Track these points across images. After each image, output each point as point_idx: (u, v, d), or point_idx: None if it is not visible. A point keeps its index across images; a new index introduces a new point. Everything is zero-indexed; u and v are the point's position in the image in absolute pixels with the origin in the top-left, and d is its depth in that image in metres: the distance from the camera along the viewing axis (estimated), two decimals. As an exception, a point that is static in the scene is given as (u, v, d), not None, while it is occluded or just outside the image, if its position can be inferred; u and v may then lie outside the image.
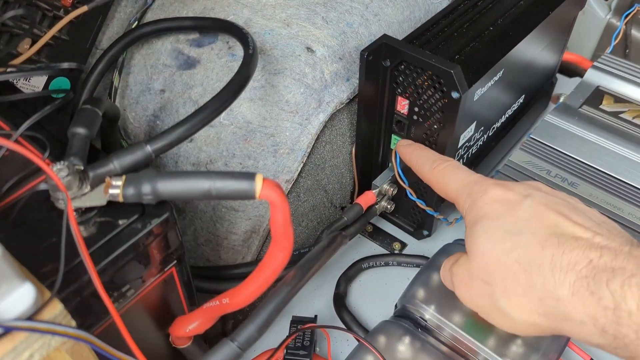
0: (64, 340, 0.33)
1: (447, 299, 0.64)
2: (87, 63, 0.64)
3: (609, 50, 0.99)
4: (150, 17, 0.64)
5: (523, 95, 0.77)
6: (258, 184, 0.40)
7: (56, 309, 0.32)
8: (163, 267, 0.45)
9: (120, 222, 0.42)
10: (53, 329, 0.32)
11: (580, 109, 0.82)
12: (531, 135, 0.77)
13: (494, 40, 0.60)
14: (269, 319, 0.43)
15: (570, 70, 1.03)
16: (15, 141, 0.44)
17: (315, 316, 0.62)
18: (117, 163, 0.41)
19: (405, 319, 0.64)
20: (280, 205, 0.41)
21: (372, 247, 0.76)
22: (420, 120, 0.62)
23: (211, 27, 0.58)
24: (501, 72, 0.62)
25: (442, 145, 0.61)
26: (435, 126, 0.61)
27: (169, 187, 0.40)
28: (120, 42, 0.60)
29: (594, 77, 0.87)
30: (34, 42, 0.56)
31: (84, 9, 0.53)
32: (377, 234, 0.77)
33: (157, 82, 0.63)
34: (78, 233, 0.36)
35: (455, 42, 0.59)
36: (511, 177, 0.72)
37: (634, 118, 0.80)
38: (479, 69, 0.58)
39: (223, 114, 0.59)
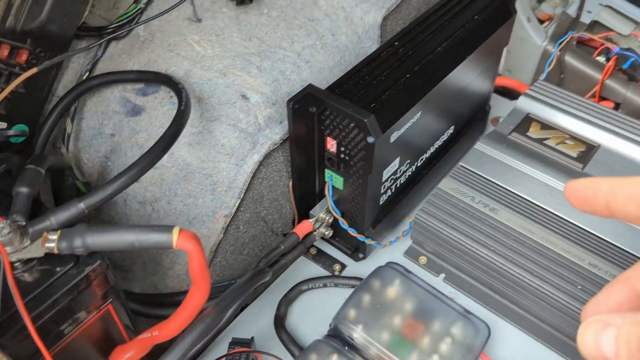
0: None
1: (374, 319, 0.71)
2: (44, 109, 0.70)
3: (542, 77, 1.06)
4: (100, 67, 0.70)
5: (452, 126, 0.84)
6: (175, 236, 0.47)
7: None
8: (99, 306, 0.51)
9: (58, 269, 0.48)
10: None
11: (509, 136, 0.88)
12: (461, 164, 0.83)
13: (410, 86, 0.67)
14: (184, 354, 0.49)
15: (514, 93, 1.10)
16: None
17: (252, 338, 0.69)
18: (53, 220, 0.48)
19: (335, 338, 0.71)
20: (195, 253, 0.47)
21: (315, 269, 0.83)
22: (347, 158, 0.68)
23: (152, 80, 0.65)
24: (419, 114, 0.69)
25: (366, 182, 0.68)
26: (359, 164, 0.68)
27: (97, 241, 0.46)
28: (72, 93, 0.67)
29: (525, 104, 0.93)
30: (-9, 97, 0.62)
31: (34, 70, 0.59)
32: (320, 257, 0.84)
33: (107, 127, 0.69)
34: (14, 285, 0.42)
35: (374, 89, 0.66)
36: (439, 204, 0.79)
37: (557, 144, 0.87)
38: (393, 115, 0.64)
39: (165, 157, 0.66)
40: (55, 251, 0.47)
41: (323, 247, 0.85)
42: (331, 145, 0.69)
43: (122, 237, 0.47)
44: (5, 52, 0.62)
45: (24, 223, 0.48)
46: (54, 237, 0.47)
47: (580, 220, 0.76)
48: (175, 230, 0.47)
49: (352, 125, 0.64)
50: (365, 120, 0.61)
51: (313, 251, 0.84)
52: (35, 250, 0.47)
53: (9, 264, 0.43)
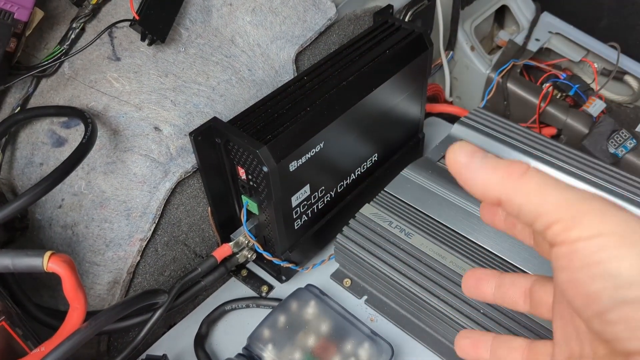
0: None
1: (287, 339, 0.74)
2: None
3: (482, 104, 1.08)
4: (32, 103, 0.77)
5: (376, 153, 0.87)
6: (45, 259, 0.51)
7: None
8: (-8, 322, 0.57)
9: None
10: None
11: (437, 162, 0.91)
12: (385, 189, 0.86)
13: (309, 118, 0.71)
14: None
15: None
16: None
17: (164, 355, 0.73)
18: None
19: (246, 357, 0.74)
20: (66, 276, 0.52)
21: (245, 290, 0.87)
22: (255, 185, 0.73)
23: (70, 114, 0.71)
24: (322, 144, 0.73)
25: (277, 206, 0.72)
26: (264, 191, 0.72)
27: (-24, 263, 0.52)
28: (3, 125, 0.73)
29: (459, 131, 0.96)
30: None
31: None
32: (250, 278, 0.87)
33: (37, 156, 0.75)
34: None
35: (273, 122, 0.70)
36: (359, 228, 0.82)
37: (483, 171, 0.89)
38: (289, 146, 0.68)
39: (83, 185, 0.71)
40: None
41: (254, 269, 0.89)
42: (242, 172, 0.73)
43: (9, 260, 0.52)
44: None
45: None
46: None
47: (489, 244, 0.78)
48: (46, 255, 0.52)
49: (250, 155, 0.68)
50: (257, 150, 0.65)
51: (244, 273, 0.88)
52: None
53: None
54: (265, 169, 0.67)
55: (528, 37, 1.13)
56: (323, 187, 0.80)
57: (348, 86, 0.75)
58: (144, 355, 0.73)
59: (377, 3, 0.92)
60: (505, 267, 0.76)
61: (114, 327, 0.66)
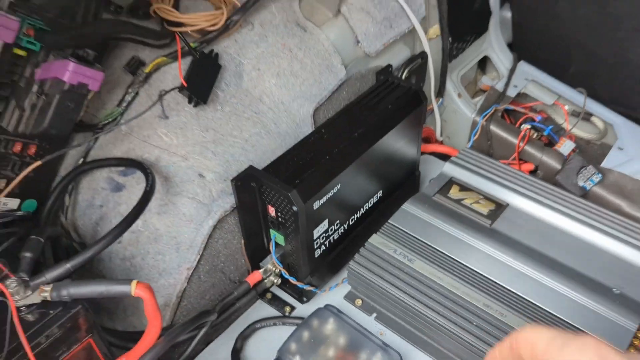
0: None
1: (311, 351, 0.88)
2: (51, 186, 0.90)
3: (469, 145, 1.25)
4: (92, 154, 0.91)
5: (380, 191, 1.02)
6: (133, 287, 0.65)
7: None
8: (82, 338, 0.70)
9: (51, 312, 0.67)
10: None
11: (433, 197, 1.06)
12: (389, 221, 1.01)
13: (329, 165, 0.86)
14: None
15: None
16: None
17: (207, 367, 0.86)
18: (48, 276, 0.67)
19: (280, 365, 0.88)
20: (148, 299, 0.66)
21: (271, 311, 1.00)
22: (283, 221, 0.87)
23: (129, 165, 0.85)
24: (338, 186, 0.88)
25: (302, 239, 0.86)
26: (292, 226, 0.86)
27: (77, 291, 0.65)
28: (70, 175, 0.87)
29: (449, 169, 1.12)
30: (8, 181, 0.83)
31: (38, 163, 0.80)
32: (274, 300, 1.01)
33: (97, 200, 0.89)
34: (18, 323, 0.61)
35: (300, 169, 0.85)
36: (368, 255, 0.96)
37: (471, 204, 1.05)
38: (313, 189, 0.83)
39: (140, 223, 0.85)
40: (49, 299, 0.66)
41: (278, 293, 1.02)
42: (272, 211, 0.88)
43: (94, 288, 0.66)
44: (19, 147, 0.82)
45: (27, 278, 0.67)
46: (48, 289, 0.66)
47: (480, 267, 0.93)
48: (133, 283, 0.65)
49: (282, 198, 0.83)
50: (289, 194, 0.80)
51: (269, 296, 1.02)
52: (34, 298, 0.66)
53: (15, 308, 0.62)
54: (295, 208, 0.81)
55: (507, 84, 1.30)
56: (338, 221, 0.94)
57: (358, 137, 0.90)
58: (190, 367, 0.86)
59: (378, 63, 1.09)
60: (493, 286, 0.91)
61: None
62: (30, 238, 0.71)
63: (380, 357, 0.87)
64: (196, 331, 0.82)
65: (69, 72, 0.76)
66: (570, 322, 0.85)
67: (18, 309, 0.65)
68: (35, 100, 0.79)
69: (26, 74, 0.78)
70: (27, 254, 0.69)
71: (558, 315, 0.86)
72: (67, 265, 0.68)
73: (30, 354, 0.61)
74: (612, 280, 0.92)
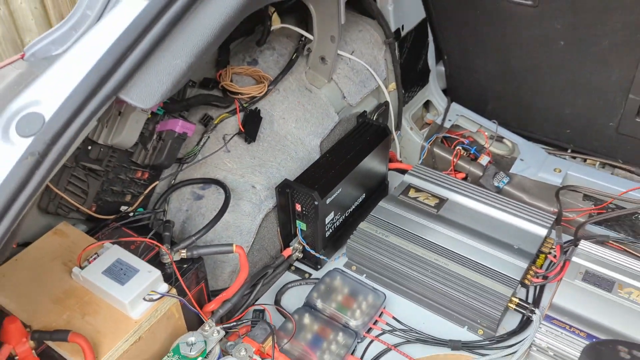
0: (175, 300, 1.06)
1: (326, 297, 1.37)
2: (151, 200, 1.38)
3: (419, 162, 1.79)
4: (179, 177, 1.40)
5: (364, 194, 1.55)
6: (233, 247, 1.15)
7: (173, 290, 1.06)
8: (199, 281, 1.18)
9: (185, 265, 1.15)
10: (173, 295, 1.05)
11: (398, 197, 1.59)
12: (371, 213, 1.53)
13: (334, 177, 1.38)
14: (236, 300, 1.15)
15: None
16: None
17: (264, 309, 1.34)
18: (182, 245, 1.15)
19: (307, 306, 1.37)
20: (242, 254, 1.16)
21: (294, 276, 1.50)
22: (306, 213, 1.38)
23: (208, 182, 1.35)
24: (340, 189, 1.40)
25: (316, 225, 1.37)
26: (312, 216, 1.37)
27: (200, 252, 1.14)
28: (167, 192, 1.36)
29: (408, 178, 1.65)
30: (132, 195, 1.31)
31: (157, 182, 1.28)
32: (297, 271, 1.51)
33: (184, 206, 1.38)
34: (176, 269, 1.10)
35: (317, 178, 1.36)
36: (360, 235, 1.47)
37: (424, 200, 1.58)
38: (326, 189, 1.35)
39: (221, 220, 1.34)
40: (185, 257, 1.14)
41: (299, 265, 1.52)
42: (298, 207, 1.38)
43: (211, 250, 1.15)
44: (139, 174, 1.31)
45: (170, 247, 1.15)
46: (184, 251, 1.14)
47: (430, 238, 1.45)
48: (233, 246, 1.15)
49: (308, 196, 1.34)
50: (313, 194, 1.31)
51: (293, 268, 1.51)
52: (177, 257, 1.14)
53: (174, 262, 1.11)
54: (316, 202, 1.32)
55: (444, 119, 1.86)
56: (340, 213, 1.46)
57: (350, 159, 1.43)
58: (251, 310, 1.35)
59: (357, 110, 1.63)
60: (440, 249, 1.43)
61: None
62: (166, 225, 1.20)
63: (372, 296, 1.38)
64: (259, 282, 1.31)
65: (179, 125, 1.26)
66: (488, 265, 1.38)
67: (172, 263, 1.13)
68: (156, 143, 1.28)
69: (149, 128, 1.28)
70: (167, 233, 1.18)
71: (481, 263, 1.39)
72: (193, 238, 1.17)
73: (184, 286, 1.09)
74: (514, 240, 1.46)
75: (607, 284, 1.34)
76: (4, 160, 0.78)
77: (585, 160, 1.86)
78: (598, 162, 1.84)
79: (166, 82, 0.87)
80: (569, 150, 1.87)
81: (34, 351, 0.97)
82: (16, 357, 0.95)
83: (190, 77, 1.01)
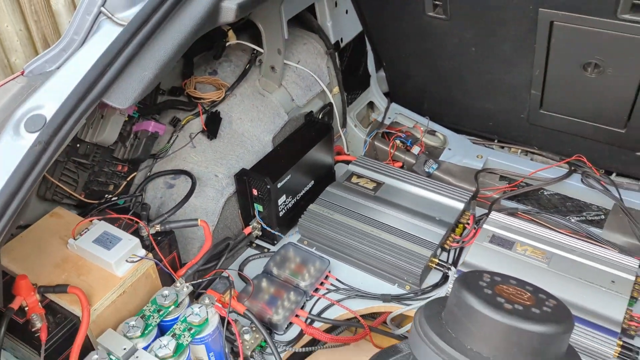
0: (151, 263, 1.33)
1: (281, 265, 1.65)
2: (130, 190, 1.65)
3: (362, 154, 2.09)
4: (154, 169, 1.67)
5: (313, 180, 1.83)
6: (199, 222, 1.43)
7: (149, 255, 1.33)
8: (172, 251, 1.45)
9: (159, 237, 1.43)
10: (149, 258, 1.32)
11: (343, 183, 1.87)
12: (320, 197, 1.81)
13: (283, 165, 1.66)
14: (199, 264, 1.43)
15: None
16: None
17: (228, 275, 1.62)
18: (156, 220, 1.43)
19: (265, 273, 1.64)
20: (206, 227, 1.43)
21: (254, 252, 1.77)
22: (261, 197, 1.66)
23: (179, 173, 1.62)
24: (290, 175, 1.68)
25: (270, 206, 1.65)
26: (267, 199, 1.65)
27: (172, 226, 1.42)
28: (143, 183, 1.63)
29: (352, 167, 1.94)
30: (115, 186, 1.58)
31: (135, 173, 1.55)
32: (257, 247, 1.78)
33: (158, 194, 1.65)
34: (152, 240, 1.37)
35: (269, 166, 1.64)
36: (310, 215, 1.75)
37: (364, 184, 1.87)
38: (277, 175, 1.63)
39: (188, 202, 1.62)
40: (159, 230, 1.41)
41: (259, 242, 1.80)
42: (255, 192, 1.66)
43: (180, 224, 1.43)
44: (119, 167, 1.58)
45: (147, 223, 1.42)
46: (158, 226, 1.42)
47: (369, 214, 1.74)
48: (198, 220, 1.42)
49: (261, 182, 1.62)
50: (265, 179, 1.59)
51: (254, 245, 1.79)
52: (153, 230, 1.42)
53: (150, 234, 1.38)
54: (268, 186, 1.61)
55: (384, 117, 2.16)
56: (291, 195, 1.74)
57: (298, 150, 1.72)
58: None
59: (305, 110, 1.92)
60: (377, 223, 1.72)
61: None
62: (143, 206, 1.47)
63: (318, 263, 1.66)
64: (223, 255, 1.59)
65: (152, 126, 1.54)
66: (412, 233, 1.67)
67: (148, 235, 1.40)
68: (133, 141, 1.55)
69: (127, 129, 1.55)
70: (144, 213, 1.45)
71: (407, 231, 1.68)
72: (165, 215, 1.44)
73: (159, 252, 1.36)
74: (436, 213, 1.75)
75: (508, 244, 1.64)
76: (18, 149, 1.05)
77: (510, 148, 2.17)
78: (520, 150, 2.15)
79: (138, 89, 1.14)
80: (496, 140, 2.18)
81: (40, 303, 1.23)
82: (26, 308, 1.21)
83: (157, 84, 1.28)
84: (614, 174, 1.98)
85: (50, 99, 1.12)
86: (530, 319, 0.86)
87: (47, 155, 1.06)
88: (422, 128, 2.17)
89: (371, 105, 2.29)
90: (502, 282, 0.98)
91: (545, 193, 1.94)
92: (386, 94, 2.29)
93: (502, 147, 2.17)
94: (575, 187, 1.92)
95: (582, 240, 1.65)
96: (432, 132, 2.15)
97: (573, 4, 1.56)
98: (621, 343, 1.39)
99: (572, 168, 1.94)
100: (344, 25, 1.97)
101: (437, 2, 1.80)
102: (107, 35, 1.16)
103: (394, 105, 2.24)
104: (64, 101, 1.09)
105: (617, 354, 1.39)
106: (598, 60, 1.66)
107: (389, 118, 2.19)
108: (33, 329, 1.20)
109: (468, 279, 0.98)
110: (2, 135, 1.09)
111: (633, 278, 1.51)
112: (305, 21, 1.90)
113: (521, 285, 0.97)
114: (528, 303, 0.91)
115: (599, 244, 1.66)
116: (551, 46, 1.70)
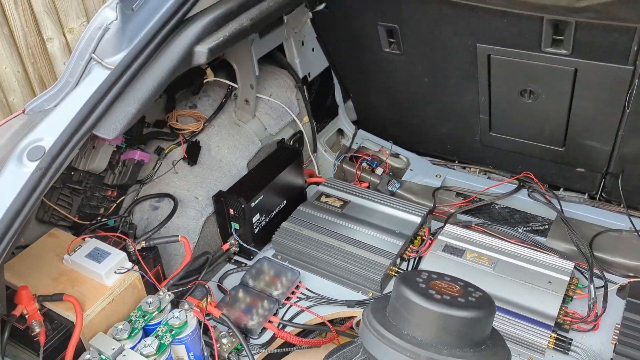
0: (137, 274, 1.51)
1: (256, 277, 1.83)
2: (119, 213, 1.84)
3: (332, 175, 2.29)
4: (141, 193, 1.86)
5: (285, 200, 2.03)
6: (179, 237, 1.61)
7: (135, 267, 1.51)
8: (156, 264, 1.63)
9: (144, 253, 1.61)
10: (136, 270, 1.51)
11: (313, 202, 2.07)
12: (292, 215, 2.00)
13: (256, 186, 1.86)
14: (184, 271, 1.61)
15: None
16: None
17: (208, 286, 1.79)
18: (142, 237, 1.61)
19: (243, 284, 1.82)
20: (186, 243, 1.62)
21: (232, 266, 1.95)
22: (237, 216, 1.85)
23: (163, 196, 1.82)
24: (262, 196, 1.87)
25: (246, 225, 1.84)
26: (242, 218, 1.84)
27: (155, 242, 1.61)
28: (131, 205, 1.82)
29: (322, 188, 2.14)
30: (105, 209, 1.76)
31: (123, 197, 1.74)
32: (235, 263, 1.97)
33: (144, 215, 1.84)
34: (138, 254, 1.55)
35: (244, 188, 1.84)
36: (283, 232, 1.94)
37: (332, 203, 2.06)
38: (251, 195, 1.82)
39: (171, 221, 1.81)
40: (145, 245, 1.60)
41: (237, 258, 1.98)
42: (231, 211, 1.86)
43: (163, 240, 1.61)
44: (109, 192, 1.77)
45: (133, 240, 1.61)
46: (144, 242, 1.60)
47: (336, 229, 1.93)
48: (179, 236, 1.61)
49: (236, 202, 1.81)
50: (240, 199, 1.79)
51: (233, 261, 1.97)
52: (139, 246, 1.60)
53: (136, 250, 1.56)
54: (243, 205, 1.80)
55: (351, 142, 2.37)
56: (264, 214, 1.93)
57: (270, 173, 1.92)
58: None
59: (277, 138, 2.13)
60: (344, 237, 1.91)
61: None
62: (131, 226, 1.66)
63: (290, 274, 1.84)
64: (203, 268, 1.77)
65: (138, 154, 1.74)
66: (373, 245, 1.86)
67: (135, 251, 1.58)
68: (121, 169, 1.75)
69: (116, 157, 1.75)
70: (131, 231, 1.63)
71: (369, 243, 1.87)
72: (150, 233, 1.63)
73: (144, 265, 1.54)
74: (395, 227, 1.94)
75: (459, 252, 1.83)
76: (21, 175, 1.25)
77: (470, 168, 2.38)
78: (478, 169, 2.36)
79: (123, 122, 1.35)
80: (456, 162, 2.40)
81: (39, 312, 1.40)
82: (27, 315, 1.39)
83: (141, 117, 1.49)
84: (561, 189, 2.19)
85: (48, 132, 1.31)
86: (454, 305, 1.02)
87: (45, 180, 1.25)
88: (387, 151, 2.38)
89: (341, 132, 2.50)
90: (437, 279, 1.13)
91: (497, 207, 2.14)
92: (355, 122, 2.51)
93: (464, 167, 2.38)
94: (522, 201, 2.13)
95: (526, 247, 1.85)
96: (395, 155, 2.37)
97: (505, 40, 1.79)
98: (555, 335, 1.57)
99: (521, 184, 2.15)
100: (310, 61, 2.20)
101: (391, 40, 2.03)
102: (97, 78, 1.37)
103: (361, 131, 2.46)
104: (61, 134, 1.29)
105: (552, 345, 1.57)
106: (532, 87, 1.88)
107: (357, 143, 2.40)
108: (33, 334, 1.37)
109: (407, 276, 1.14)
110: (7, 164, 1.28)
111: (568, 279, 1.71)
112: (275, 58, 2.13)
113: (454, 281, 1.12)
114: (456, 294, 1.06)
115: (542, 251, 1.85)
116: (491, 76, 1.93)
